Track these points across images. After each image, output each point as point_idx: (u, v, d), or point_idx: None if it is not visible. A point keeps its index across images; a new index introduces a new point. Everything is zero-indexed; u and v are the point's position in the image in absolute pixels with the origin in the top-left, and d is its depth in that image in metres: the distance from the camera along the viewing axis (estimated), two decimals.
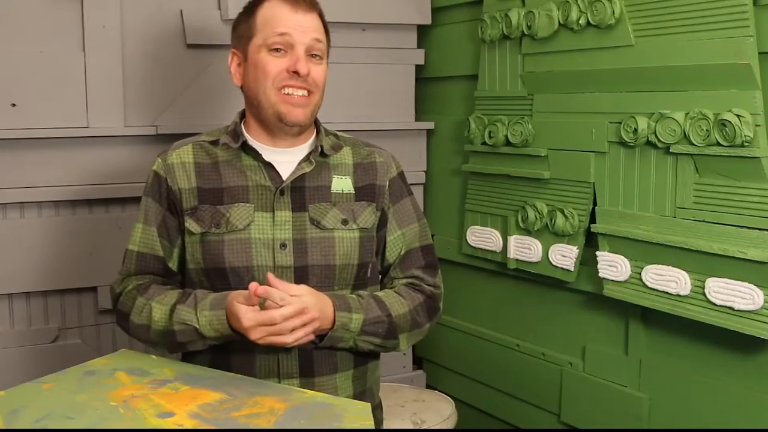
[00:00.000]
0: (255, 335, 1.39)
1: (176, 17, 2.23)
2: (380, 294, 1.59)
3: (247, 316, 1.38)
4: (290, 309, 1.37)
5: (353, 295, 1.55)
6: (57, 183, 2.12)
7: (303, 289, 1.44)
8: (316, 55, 1.54)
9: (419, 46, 2.61)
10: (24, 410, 1.21)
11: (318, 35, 1.54)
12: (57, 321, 2.19)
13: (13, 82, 2.05)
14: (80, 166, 2.15)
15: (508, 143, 2.24)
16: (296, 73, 1.50)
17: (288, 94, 1.51)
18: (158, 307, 1.50)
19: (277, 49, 1.51)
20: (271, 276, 1.43)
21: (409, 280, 1.64)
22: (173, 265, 1.60)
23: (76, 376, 1.36)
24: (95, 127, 2.14)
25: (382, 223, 1.64)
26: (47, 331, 2.17)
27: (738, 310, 1.68)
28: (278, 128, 1.55)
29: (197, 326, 1.46)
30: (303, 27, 1.52)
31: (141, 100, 2.21)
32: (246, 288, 1.43)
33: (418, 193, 2.64)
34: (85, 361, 1.46)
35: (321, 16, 1.58)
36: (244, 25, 1.57)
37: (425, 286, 1.64)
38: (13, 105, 2.05)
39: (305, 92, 1.52)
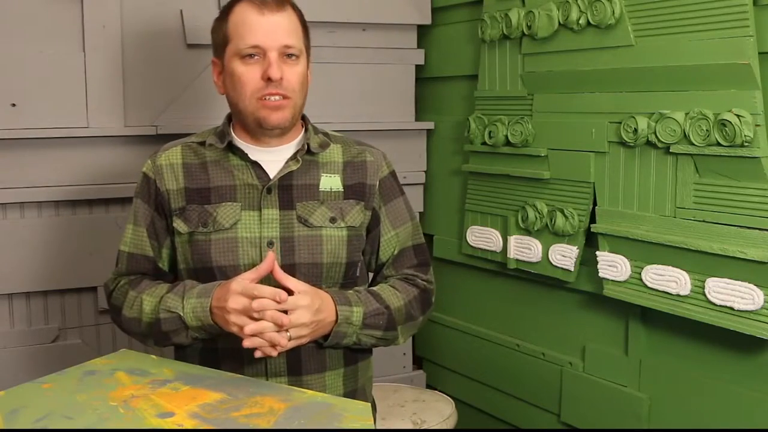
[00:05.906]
0: (234, 314, 1.39)
1: (176, 17, 2.23)
2: (375, 288, 1.60)
3: (235, 298, 1.39)
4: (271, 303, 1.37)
5: (350, 291, 1.56)
6: (57, 183, 2.12)
7: (303, 286, 1.44)
8: (291, 55, 1.51)
9: (419, 46, 2.61)
10: (24, 410, 1.21)
11: (289, 38, 1.50)
12: (57, 321, 2.19)
13: (13, 82, 2.05)
14: (80, 166, 2.15)
15: (508, 143, 2.24)
16: (269, 79, 1.47)
17: (265, 99, 1.50)
18: (148, 299, 1.51)
19: (251, 55, 1.49)
20: (272, 255, 1.44)
21: (403, 276, 1.66)
22: (163, 265, 1.61)
23: (76, 376, 1.36)
24: (95, 127, 2.14)
25: (374, 222, 1.63)
26: (47, 331, 2.17)
27: (738, 310, 1.68)
28: (261, 132, 1.55)
29: (181, 314, 1.46)
30: (273, 30, 1.49)
31: (141, 99, 2.21)
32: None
33: (418, 193, 2.64)
34: (85, 361, 1.46)
35: (295, 10, 1.55)
36: (218, 33, 1.56)
37: (419, 280, 1.66)
38: (13, 105, 2.05)
39: (280, 97, 1.50)
